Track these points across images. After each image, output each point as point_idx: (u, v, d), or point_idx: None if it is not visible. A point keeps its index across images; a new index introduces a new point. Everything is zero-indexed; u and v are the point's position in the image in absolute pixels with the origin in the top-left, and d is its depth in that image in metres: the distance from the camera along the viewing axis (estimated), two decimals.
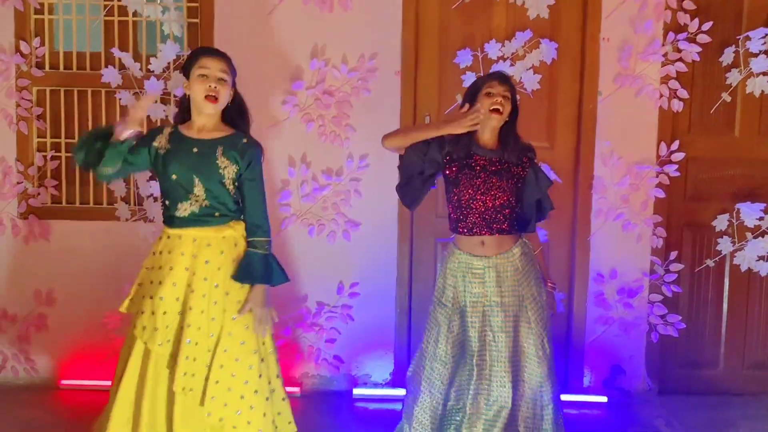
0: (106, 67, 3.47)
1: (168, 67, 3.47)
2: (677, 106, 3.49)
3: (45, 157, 3.55)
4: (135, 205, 3.55)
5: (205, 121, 2.50)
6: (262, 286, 2.49)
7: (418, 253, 3.60)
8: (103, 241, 3.54)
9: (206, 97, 2.42)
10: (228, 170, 2.46)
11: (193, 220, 2.46)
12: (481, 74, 2.88)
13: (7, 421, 3.19)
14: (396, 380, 3.59)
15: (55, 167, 3.57)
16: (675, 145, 3.51)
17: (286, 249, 3.52)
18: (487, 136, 2.66)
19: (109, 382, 3.47)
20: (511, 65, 3.46)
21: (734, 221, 3.55)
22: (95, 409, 3.31)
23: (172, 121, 2.60)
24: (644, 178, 3.53)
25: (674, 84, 3.48)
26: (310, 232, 3.54)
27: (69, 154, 3.57)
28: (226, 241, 2.48)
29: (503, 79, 2.63)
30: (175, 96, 3.48)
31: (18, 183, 3.53)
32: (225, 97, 2.47)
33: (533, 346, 2.59)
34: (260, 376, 2.48)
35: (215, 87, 2.42)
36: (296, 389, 3.53)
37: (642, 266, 3.56)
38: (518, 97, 2.68)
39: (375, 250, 3.55)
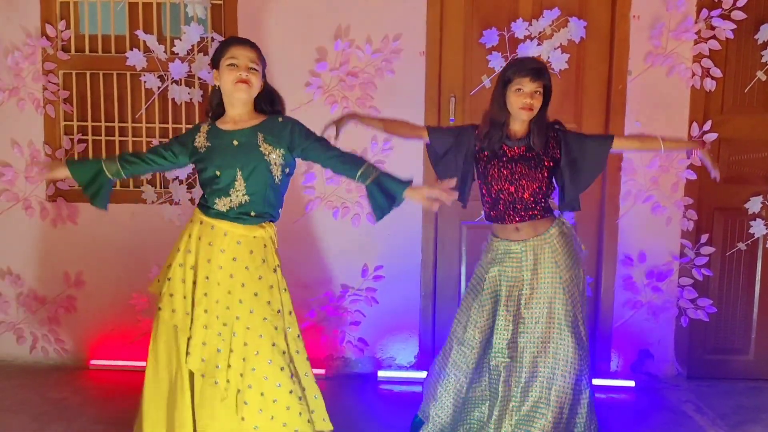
0: (131, 49, 3.47)
1: (192, 50, 3.47)
2: (710, 85, 3.40)
3: (72, 140, 3.57)
4: (161, 188, 3.57)
5: (240, 111, 2.45)
6: (409, 189, 2.37)
7: (442, 235, 3.57)
8: (130, 223, 3.56)
9: (237, 82, 2.37)
10: (273, 155, 2.42)
11: (230, 217, 2.44)
12: (514, 56, 2.71)
13: (38, 400, 3.25)
14: (421, 363, 3.58)
15: (82, 150, 3.59)
16: (707, 126, 3.42)
17: (310, 231, 3.52)
18: (518, 126, 2.64)
19: (137, 363, 3.57)
20: (539, 44, 3.40)
21: (767, 203, 3.47)
22: (124, 389, 3.39)
23: (208, 116, 2.57)
24: (675, 159, 3.45)
25: (707, 62, 3.39)
26: (335, 214, 3.53)
27: (96, 137, 3.60)
28: (257, 241, 2.45)
29: (536, 74, 2.52)
30: (200, 78, 3.48)
31: None
32: (257, 83, 2.43)
33: (568, 332, 2.55)
34: (285, 371, 2.45)
35: (246, 75, 2.38)
36: (321, 371, 3.54)
37: (672, 249, 3.50)
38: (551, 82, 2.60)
39: (399, 232, 3.53)
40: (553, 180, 2.66)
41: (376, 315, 3.58)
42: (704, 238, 3.49)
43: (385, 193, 2.38)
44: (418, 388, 3.42)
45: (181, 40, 3.45)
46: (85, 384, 3.46)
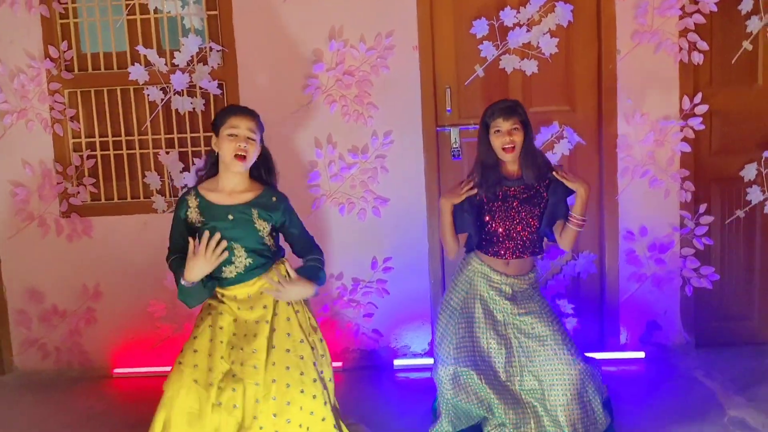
0: (133, 64, 3.56)
1: (192, 60, 3.56)
2: (697, 58, 3.48)
3: (81, 156, 3.67)
4: (170, 196, 3.66)
5: (235, 182, 2.56)
6: (314, 287, 2.59)
7: None
8: (143, 233, 3.66)
9: (236, 156, 2.49)
10: (265, 229, 2.56)
11: (241, 279, 2.56)
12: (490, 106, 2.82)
13: (65, 410, 3.34)
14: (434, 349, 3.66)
15: (92, 165, 3.69)
16: (698, 98, 3.50)
17: (318, 229, 3.60)
18: (510, 165, 2.77)
19: (159, 368, 3.66)
20: (528, 31, 3.48)
21: (763, 170, 3.54)
22: (148, 394, 3.46)
23: (195, 175, 2.71)
24: (669, 133, 3.53)
25: (693, 36, 3.46)
26: (341, 210, 3.62)
27: (104, 152, 3.69)
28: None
29: (508, 112, 2.67)
30: (201, 88, 3.57)
31: (58, 183, 3.66)
32: (253, 155, 2.54)
33: (556, 342, 2.68)
34: (318, 399, 2.51)
35: (244, 146, 2.49)
36: (338, 364, 3.62)
37: (672, 221, 3.58)
38: (528, 117, 2.75)
39: (405, 224, 3.61)
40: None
41: (388, 306, 3.66)
42: (702, 208, 3.56)
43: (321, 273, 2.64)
44: None
45: (180, 51, 3.54)
46: (110, 392, 3.55)
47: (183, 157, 3.65)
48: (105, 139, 3.69)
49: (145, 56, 3.57)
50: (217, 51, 3.56)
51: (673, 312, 3.63)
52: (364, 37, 3.53)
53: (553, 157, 3.53)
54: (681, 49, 3.47)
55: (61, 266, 3.71)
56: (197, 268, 2.44)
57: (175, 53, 3.55)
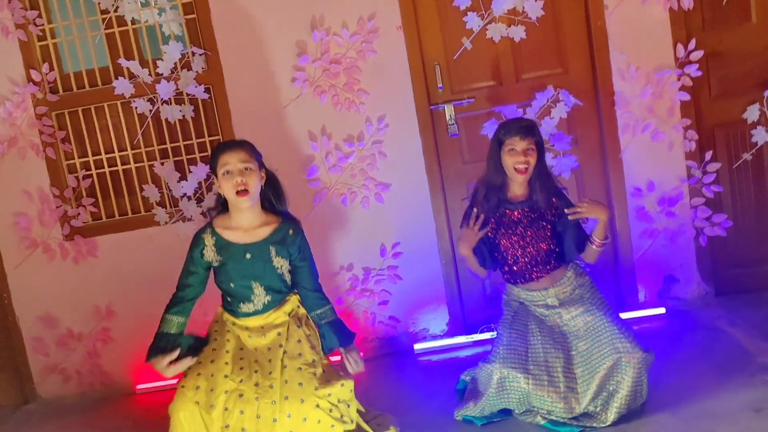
0: (117, 78, 3.52)
1: (175, 67, 3.51)
2: (687, 3, 3.39)
3: (77, 177, 3.63)
4: (171, 207, 3.63)
5: (250, 219, 2.56)
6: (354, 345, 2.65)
7: (452, 201, 3.61)
8: (148, 246, 3.63)
9: (237, 193, 2.47)
10: (284, 266, 2.58)
11: (256, 313, 2.58)
12: (503, 121, 2.84)
13: None
14: (453, 329, 3.64)
15: (89, 185, 3.65)
16: (692, 45, 3.42)
17: (323, 223, 3.57)
18: (517, 188, 2.74)
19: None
20: None
21: (765, 109, 3.47)
22: None
23: (207, 212, 2.72)
24: (666, 84, 3.46)
25: None
26: (344, 201, 3.58)
27: (100, 171, 3.66)
28: (286, 314, 2.61)
29: (526, 132, 2.64)
30: (188, 94, 3.52)
31: (57, 207, 3.63)
32: (255, 185, 2.51)
33: (613, 333, 2.61)
34: (334, 412, 2.45)
35: (241, 180, 2.46)
36: None
37: (678, 173, 3.52)
38: (543, 139, 2.73)
39: (410, 207, 3.57)
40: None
41: (401, 291, 3.63)
42: (708, 155, 3.50)
43: (336, 334, 2.61)
44: (456, 354, 3.50)
45: (163, 60, 3.49)
46: (134, 408, 3.54)
47: (178, 166, 3.61)
48: (98, 157, 3.65)
49: (128, 69, 3.52)
50: (200, 55, 3.50)
51: (690, 264, 3.59)
52: (347, 22, 3.47)
53: (551, 121, 3.48)
54: None
55: (71, 289, 3.69)
56: (163, 373, 2.50)
57: (158, 62, 3.50)
